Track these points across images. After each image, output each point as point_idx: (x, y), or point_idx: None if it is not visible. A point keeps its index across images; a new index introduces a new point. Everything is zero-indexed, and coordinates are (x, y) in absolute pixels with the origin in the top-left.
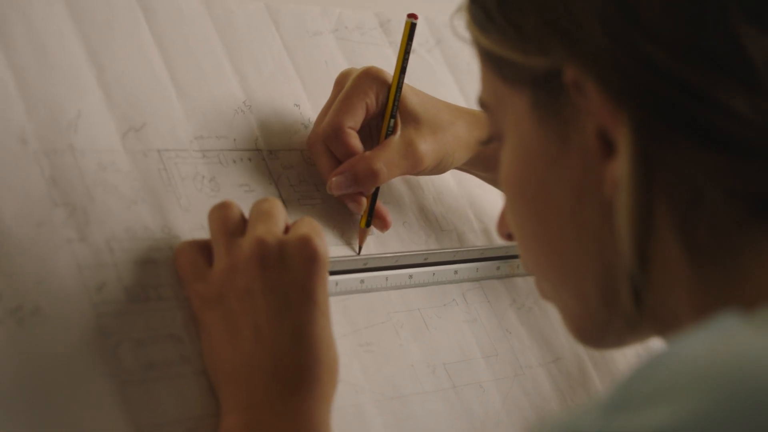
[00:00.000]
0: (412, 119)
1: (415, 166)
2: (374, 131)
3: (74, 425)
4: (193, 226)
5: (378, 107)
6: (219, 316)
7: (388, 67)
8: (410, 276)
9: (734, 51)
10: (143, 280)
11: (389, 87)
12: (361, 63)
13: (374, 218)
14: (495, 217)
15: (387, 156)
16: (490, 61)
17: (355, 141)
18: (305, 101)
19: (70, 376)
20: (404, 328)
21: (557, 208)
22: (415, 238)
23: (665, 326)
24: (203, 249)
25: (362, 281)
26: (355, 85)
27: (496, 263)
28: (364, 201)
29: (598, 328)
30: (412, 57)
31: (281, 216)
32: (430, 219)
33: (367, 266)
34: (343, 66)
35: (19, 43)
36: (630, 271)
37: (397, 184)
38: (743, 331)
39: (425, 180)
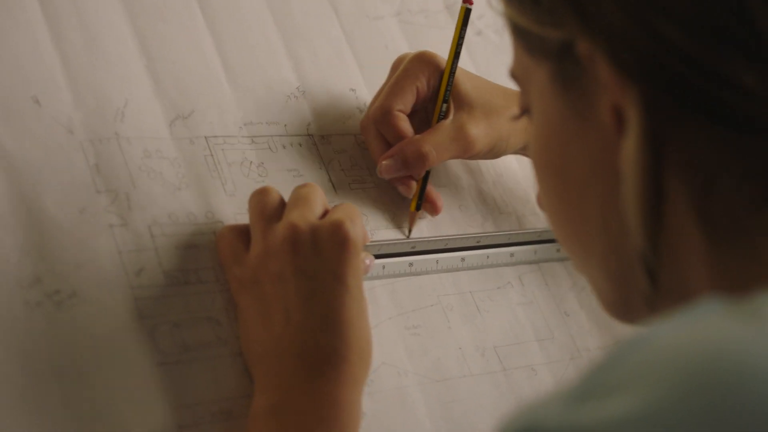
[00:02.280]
0: (465, 104)
1: (466, 150)
2: (429, 115)
3: (109, 406)
4: (238, 211)
5: (429, 91)
6: (253, 299)
7: None
8: (462, 259)
9: (745, 27)
10: (183, 264)
11: (442, 71)
12: (424, 47)
13: (425, 202)
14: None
15: (437, 139)
16: (515, 32)
17: (404, 124)
18: (362, 86)
19: (105, 358)
20: (454, 310)
21: (579, 183)
22: (471, 221)
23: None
24: (243, 234)
25: (411, 264)
26: (407, 68)
27: (555, 245)
28: (414, 185)
29: (624, 303)
30: (478, 39)
31: (318, 201)
32: (488, 202)
33: (416, 249)
34: (404, 50)
35: (70, 34)
36: (640, 250)
37: (455, 167)
38: (724, 319)
39: (486, 163)
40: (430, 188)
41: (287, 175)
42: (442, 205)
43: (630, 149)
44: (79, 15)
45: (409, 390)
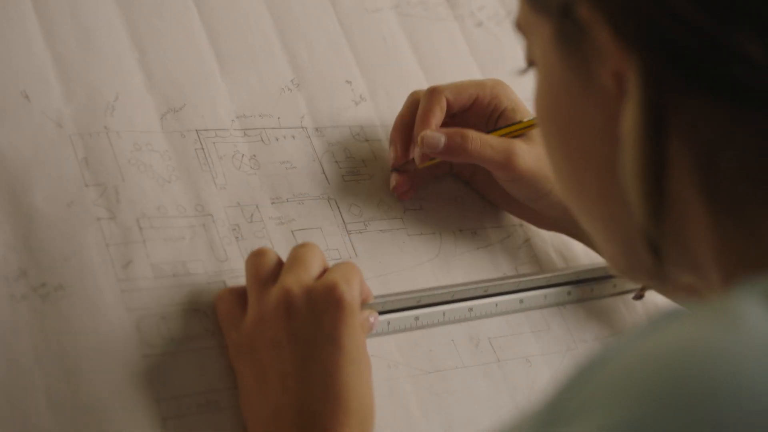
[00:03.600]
0: (522, 136)
1: (508, 161)
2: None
3: (93, 399)
4: (228, 204)
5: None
6: (250, 366)
7: (451, 39)
8: (470, 309)
9: None
10: (172, 256)
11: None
12: (423, 38)
13: (405, 180)
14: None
15: (484, 135)
16: None
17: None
18: (358, 77)
19: (90, 351)
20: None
21: (581, 146)
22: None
23: (697, 279)
24: (242, 296)
25: (417, 318)
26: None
27: (566, 288)
28: (409, 193)
29: (630, 267)
30: (479, 31)
31: (315, 262)
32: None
33: (421, 303)
34: (402, 42)
35: (62, 29)
36: (641, 222)
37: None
38: (688, 325)
39: None
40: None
41: (279, 167)
42: (410, 196)
43: (630, 118)
44: (71, 9)
45: (399, 382)
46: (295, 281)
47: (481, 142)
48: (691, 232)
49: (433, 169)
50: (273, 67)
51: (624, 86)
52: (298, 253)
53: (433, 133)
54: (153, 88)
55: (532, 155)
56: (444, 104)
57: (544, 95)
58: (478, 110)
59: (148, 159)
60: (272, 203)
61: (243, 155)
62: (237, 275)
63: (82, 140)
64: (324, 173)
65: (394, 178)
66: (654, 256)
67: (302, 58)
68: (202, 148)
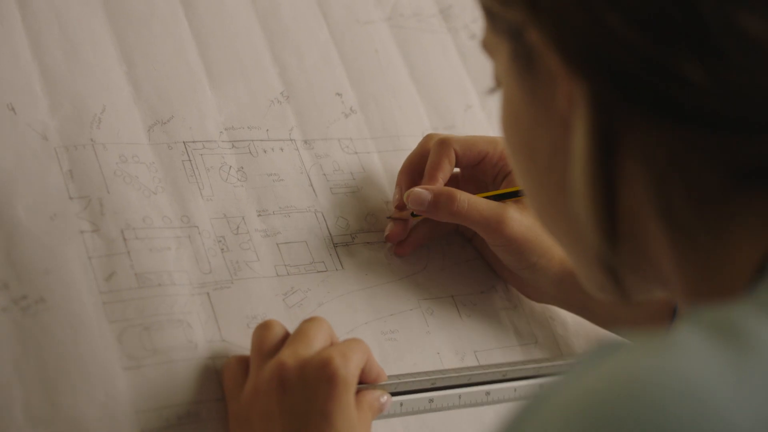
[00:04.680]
0: (517, 203)
1: (499, 224)
2: None
3: (72, 411)
4: (214, 215)
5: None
6: None
7: (444, 52)
8: (487, 393)
9: (691, 19)
10: (157, 266)
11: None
12: (416, 50)
13: (400, 230)
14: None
15: (473, 197)
16: (480, 6)
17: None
18: (348, 90)
19: (70, 363)
20: (434, 315)
21: (540, 168)
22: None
23: (672, 296)
24: (246, 366)
25: (431, 400)
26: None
27: None
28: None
29: (597, 287)
30: (472, 44)
31: (318, 336)
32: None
33: (436, 385)
34: (394, 54)
35: (50, 42)
36: (594, 245)
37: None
38: (629, 355)
39: None
40: (417, 236)
41: (267, 180)
42: (407, 252)
43: (578, 141)
44: (59, 22)
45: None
46: (292, 355)
47: (469, 204)
48: (654, 252)
49: (437, 229)
50: (263, 79)
51: (574, 108)
52: (303, 327)
53: (421, 190)
54: (140, 100)
55: (523, 223)
56: (453, 157)
57: (506, 115)
58: (485, 168)
59: (135, 171)
60: (258, 215)
61: (230, 167)
62: (220, 287)
63: (67, 153)
64: (311, 186)
65: (389, 227)
66: (610, 278)
67: (292, 70)
68: (189, 160)
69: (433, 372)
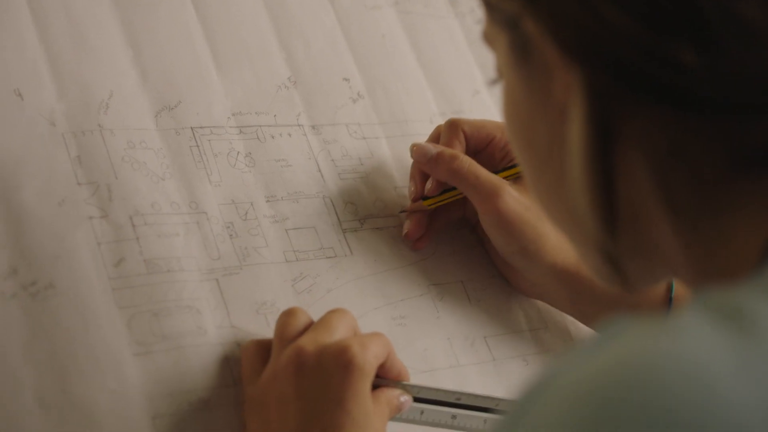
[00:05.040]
0: (521, 185)
1: (488, 199)
2: None
3: (82, 397)
4: (222, 201)
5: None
6: (259, 421)
7: (451, 37)
8: None
9: (686, 6)
10: (166, 251)
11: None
12: (422, 35)
13: (418, 225)
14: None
15: (476, 165)
16: None
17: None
18: (356, 75)
19: (80, 349)
20: (443, 300)
21: (540, 156)
22: None
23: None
24: (265, 350)
25: (454, 417)
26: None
27: None
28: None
29: (602, 276)
30: (479, 27)
31: (340, 326)
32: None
33: (461, 402)
34: (402, 40)
35: (56, 27)
36: (594, 235)
37: None
38: (627, 342)
39: None
40: (432, 228)
41: (275, 165)
42: (424, 245)
43: (576, 130)
44: (66, 7)
45: None
46: (311, 341)
47: (470, 167)
48: (658, 239)
49: (447, 214)
50: (270, 65)
51: (571, 98)
52: (326, 316)
53: (427, 143)
54: (148, 85)
55: (519, 202)
56: (462, 138)
57: (506, 105)
58: (493, 152)
59: (142, 156)
60: (267, 201)
61: (238, 153)
62: (229, 273)
63: (75, 138)
64: (320, 171)
65: (406, 225)
66: (611, 265)
67: (299, 56)
68: (197, 146)
69: (461, 391)
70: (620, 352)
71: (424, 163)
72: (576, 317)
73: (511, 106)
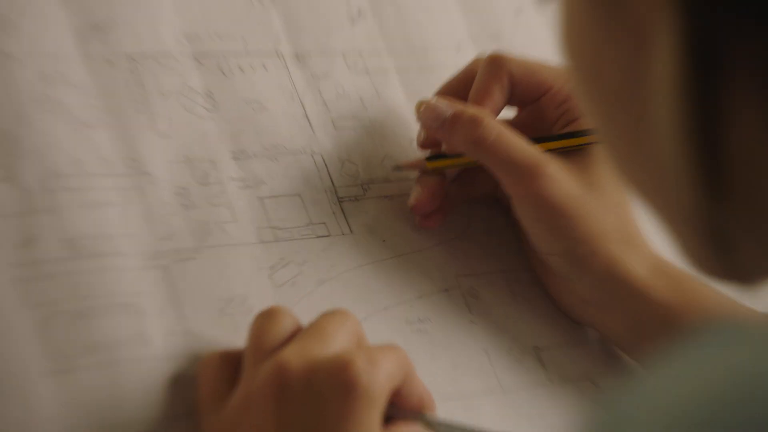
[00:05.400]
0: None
1: (528, 181)
2: None
3: None
4: (173, 158)
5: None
6: None
7: None
8: None
9: None
10: (93, 228)
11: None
12: None
13: (430, 195)
14: None
15: (509, 134)
16: None
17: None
18: None
19: None
20: (478, 297)
21: (616, 96)
22: None
23: None
24: (233, 367)
25: None
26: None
27: None
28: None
29: (699, 263)
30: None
31: (340, 334)
32: None
33: None
34: None
35: None
36: (691, 204)
37: None
38: (728, 352)
39: None
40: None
41: (245, 109)
42: (435, 224)
43: (663, 60)
44: None
45: None
46: (298, 353)
47: (499, 136)
48: None
49: (471, 186)
50: None
51: (657, 14)
52: (320, 320)
53: (440, 102)
54: None
55: (567, 188)
56: (506, 83)
57: (565, 27)
58: (546, 107)
59: (61, 95)
60: (234, 159)
61: (194, 91)
62: (183, 258)
63: None
64: (306, 117)
65: (415, 192)
66: (717, 250)
67: None
68: (137, 81)
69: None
70: (733, 363)
71: (437, 129)
72: (624, 351)
73: (571, 28)
